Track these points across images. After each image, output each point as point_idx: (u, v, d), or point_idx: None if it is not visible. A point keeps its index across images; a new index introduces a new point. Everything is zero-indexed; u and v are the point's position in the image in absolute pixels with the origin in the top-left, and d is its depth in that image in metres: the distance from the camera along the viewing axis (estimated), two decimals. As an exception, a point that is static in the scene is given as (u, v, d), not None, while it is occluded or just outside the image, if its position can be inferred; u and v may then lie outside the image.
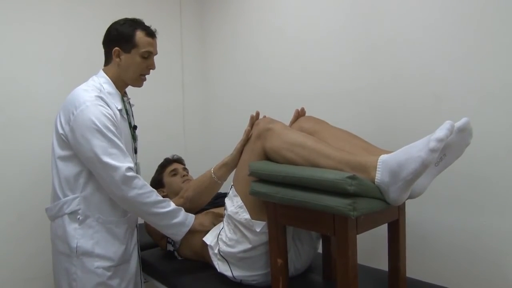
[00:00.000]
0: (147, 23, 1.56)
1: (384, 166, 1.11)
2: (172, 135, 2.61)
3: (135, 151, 1.62)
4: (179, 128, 2.66)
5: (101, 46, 1.57)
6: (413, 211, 1.44)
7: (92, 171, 1.42)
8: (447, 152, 1.15)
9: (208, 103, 2.73)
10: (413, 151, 1.05)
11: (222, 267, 1.45)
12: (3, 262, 1.95)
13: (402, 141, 1.20)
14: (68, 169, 1.45)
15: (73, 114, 1.40)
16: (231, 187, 1.45)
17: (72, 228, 1.44)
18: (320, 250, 1.54)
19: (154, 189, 1.44)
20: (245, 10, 2.39)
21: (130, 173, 1.37)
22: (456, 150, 1.16)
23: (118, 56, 1.50)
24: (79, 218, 1.44)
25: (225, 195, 1.53)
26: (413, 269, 1.41)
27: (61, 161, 1.46)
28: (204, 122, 2.75)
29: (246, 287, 1.43)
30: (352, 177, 1.05)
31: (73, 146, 1.42)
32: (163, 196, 1.52)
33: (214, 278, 1.50)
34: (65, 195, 1.45)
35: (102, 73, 1.53)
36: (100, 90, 1.47)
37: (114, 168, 1.35)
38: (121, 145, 1.41)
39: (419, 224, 1.56)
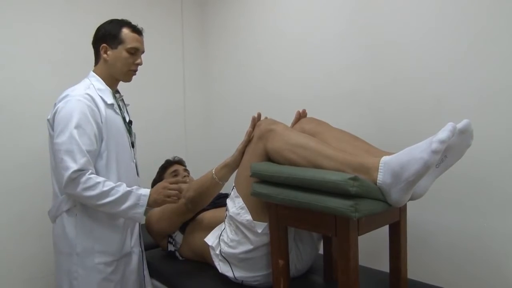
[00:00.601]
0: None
1: (386, 167, 1.11)
2: (174, 136, 2.61)
3: (132, 145, 1.63)
4: (181, 129, 2.67)
5: None
6: (414, 213, 1.44)
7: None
8: (448, 153, 1.16)
9: (209, 104, 2.74)
10: (415, 152, 1.05)
11: (223, 268, 1.45)
12: (3, 263, 1.95)
13: (403, 143, 1.21)
14: None
15: (55, 105, 1.46)
16: (233, 188, 1.45)
17: (71, 226, 1.46)
18: (321, 251, 1.54)
19: (101, 180, 1.40)
20: (246, 12, 2.40)
21: (77, 174, 1.37)
22: (457, 151, 1.17)
23: (106, 52, 1.53)
24: (76, 214, 1.46)
25: (226, 195, 1.54)
26: (414, 270, 1.42)
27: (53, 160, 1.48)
28: (206, 123, 2.76)
29: (247, 288, 1.43)
30: (354, 179, 1.06)
31: None
32: None
33: (215, 278, 1.50)
34: (62, 193, 1.47)
35: (92, 73, 1.57)
36: (89, 87, 1.50)
37: (66, 167, 1.36)
38: (83, 146, 1.39)
39: (420, 226, 1.56)
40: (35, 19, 2.05)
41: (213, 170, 1.55)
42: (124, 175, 1.52)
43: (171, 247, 1.75)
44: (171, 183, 1.50)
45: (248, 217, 1.36)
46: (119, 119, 1.56)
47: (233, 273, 1.42)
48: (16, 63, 2.00)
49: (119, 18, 1.59)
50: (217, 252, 1.47)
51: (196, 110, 2.73)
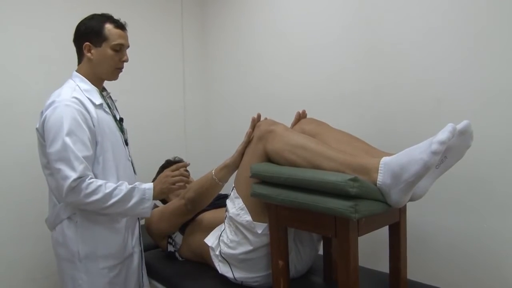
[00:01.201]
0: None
1: (386, 168, 1.11)
2: (173, 137, 2.61)
3: (126, 143, 1.58)
4: (180, 130, 2.67)
5: None
6: (414, 214, 1.44)
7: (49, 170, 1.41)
8: (448, 154, 1.16)
9: (209, 105, 2.74)
10: (415, 153, 1.05)
11: (223, 269, 1.45)
12: (3, 263, 1.95)
13: (403, 143, 1.21)
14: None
15: (42, 113, 1.40)
16: (233, 188, 1.45)
17: (72, 233, 1.43)
18: (321, 251, 1.54)
19: (102, 183, 1.36)
20: (246, 13, 2.40)
21: (77, 182, 1.32)
22: (457, 152, 1.17)
23: (89, 51, 1.46)
24: (77, 222, 1.42)
25: (226, 196, 1.54)
26: (414, 271, 1.42)
27: (47, 169, 1.44)
28: (205, 124, 2.76)
29: (247, 289, 1.43)
30: (354, 179, 1.06)
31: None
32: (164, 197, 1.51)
33: (215, 279, 1.50)
34: (61, 201, 1.44)
35: (75, 73, 1.50)
36: (75, 89, 1.43)
37: (64, 177, 1.31)
38: (79, 153, 1.33)
39: (420, 227, 1.56)
40: (35, 19, 2.05)
41: (213, 171, 1.55)
42: (123, 175, 1.49)
43: (170, 248, 1.75)
44: (172, 170, 1.49)
45: (248, 217, 1.36)
46: (110, 119, 1.50)
47: (232, 274, 1.42)
48: (17, 63, 2.00)
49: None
50: (217, 252, 1.47)
51: (196, 111, 2.73)
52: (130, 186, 1.42)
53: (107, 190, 1.36)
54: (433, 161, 1.02)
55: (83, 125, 1.37)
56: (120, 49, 1.49)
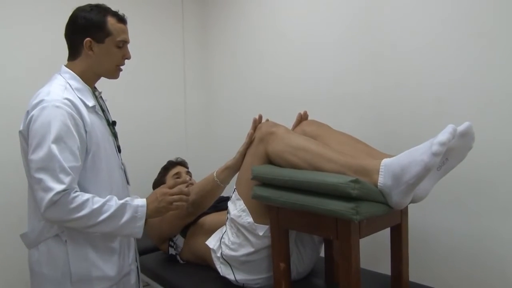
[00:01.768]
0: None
1: (386, 169, 1.11)
2: (174, 138, 2.61)
3: (119, 150, 1.42)
4: (181, 131, 2.67)
5: None
6: (415, 215, 1.44)
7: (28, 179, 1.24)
8: (449, 156, 1.16)
9: (210, 106, 2.74)
10: (415, 154, 1.05)
11: (224, 271, 1.45)
12: (3, 264, 1.95)
13: (404, 145, 1.21)
14: None
15: (28, 113, 1.21)
16: (234, 190, 1.45)
17: (61, 253, 1.24)
18: (322, 254, 1.54)
19: (89, 197, 1.19)
20: (247, 14, 2.40)
21: (61, 195, 1.14)
22: (458, 154, 1.17)
23: (91, 48, 1.29)
24: (66, 241, 1.24)
25: (227, 198, 1.54)
26: (415, 273, 1.41)
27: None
28: (206, 125, 2.76)
29: (249, 291, 1.43)
30: (355, 181, 1.06)
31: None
32: None
33: (216, 281, 1.50)
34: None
35: (65, 69, 1.32)
36: (66, 88, 1.26)
37: (46, 188, 1.13)
38: (65, 163, 1.15)
39: (421, 228, 1.56)
40: (34, 19, 2.06)
41: (214, 173, 1.55)
42: (116, 187, 1.33)
43: (172, 251, 1.75)
44: (170, 188, 1.32)
45: (249, 219, 1.36)
46: (102, 123, 1.34)
47: (234, 276, 1.42)
48: (17, 64, 2.00)
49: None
50: (218, 254, 1.47)
51: (196, 112, 2.73)
52: (121, 202, 1.24)
53: (95, 206, 1.18)
54: (433, 162, 1.02)
55: (73, 132, 1.19)
56: (123, 46, 1.35)
